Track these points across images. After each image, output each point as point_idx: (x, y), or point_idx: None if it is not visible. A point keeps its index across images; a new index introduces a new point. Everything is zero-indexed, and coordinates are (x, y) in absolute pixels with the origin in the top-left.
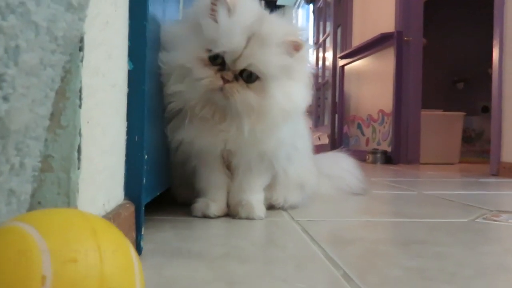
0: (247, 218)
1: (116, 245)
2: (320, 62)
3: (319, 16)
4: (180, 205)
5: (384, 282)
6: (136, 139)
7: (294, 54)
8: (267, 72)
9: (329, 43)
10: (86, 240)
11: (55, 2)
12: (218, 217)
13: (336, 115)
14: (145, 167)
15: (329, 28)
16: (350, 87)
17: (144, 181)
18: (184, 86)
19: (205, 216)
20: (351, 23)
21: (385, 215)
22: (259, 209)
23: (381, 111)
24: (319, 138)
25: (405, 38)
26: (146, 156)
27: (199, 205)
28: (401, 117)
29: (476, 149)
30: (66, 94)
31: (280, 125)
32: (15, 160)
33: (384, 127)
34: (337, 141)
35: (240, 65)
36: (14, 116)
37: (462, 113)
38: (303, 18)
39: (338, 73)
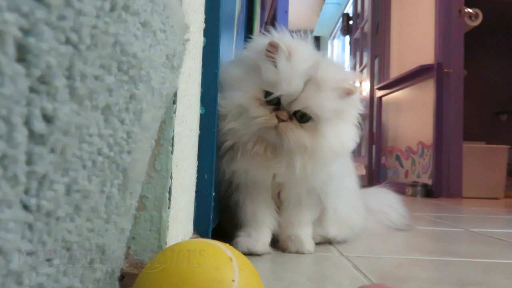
0: (297, 252)
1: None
2: None
3: (355, 47)
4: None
5: None
6: (206, 178)
7: (346, 98)
8: (321, 114)
9: (365, 73)
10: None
11: (165, 66)
12: (263, 254)
13: (374, 146)
14: (213, 203)
15: (366, 59)
16: (388, 118)
17: (211, 216)
18: (239, 124)
19: (251, 253)
20: (389, 54)
21: (435, 253)
22: (309, 243)
23: (421, 143)
24: (356, 169)
25: (445, 70)
26: (214, 193)
27: (243, 240)
28: (442, 150)
29: None
30: (161, 142)
31: (330, 164)
32: (128, 203)
33: (424, 159)
34: (374, 173)
35: (296, 107)
36: (133, 166)
37: (507, 146)
38: (339, 49)
39: (375, 104)
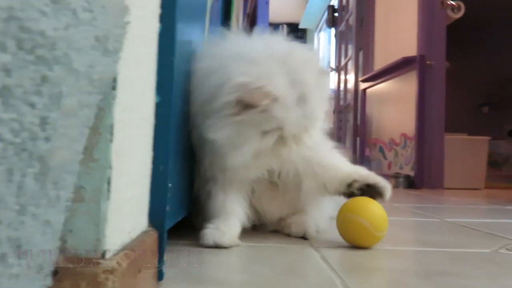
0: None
1: None
2: (342, 85)
3: (341, 39)
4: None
5: None
6: (161, 169)
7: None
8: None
9: (350, 66)
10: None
11: (94, 48)
12: (231, 247)
13: (358, 138)
14: (169, 195)
15: (350, 51)
16: (372, 110)
17: (167, 208)
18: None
19: (217, 246)
20: (373, 47)
21: (406, 243)
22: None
23: (404, 134)
24: None
25: (428, 62)
26: (170, 185)
27: (210, 232)
28: (424, 141)
29: (503, 174)
30: (99, 130)
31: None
32: (52, 194)
33: (406, 151)
34: (358, 164)
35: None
36: (54, 154)
37: (487, 138)
38: (325, 42)
39: (359, 96)
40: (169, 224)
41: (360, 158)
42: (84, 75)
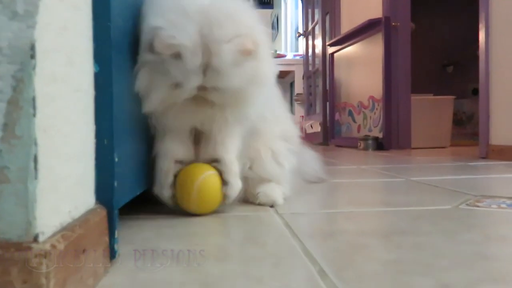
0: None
1: None
2: (310, 50)
3: (307, 4)
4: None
5: (359, 277)
6: (106, 143)
7: (249, 60)
8: (231, 86)
9: (318, 30)
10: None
11: None
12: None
13: (328, 103)
14: (116, 169)
15: (317, 15)
16: (340, 75)
17: (115, 184)
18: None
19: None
20: (339, 10)
21: (369, 205)
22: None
23: (372, 97)
24: (311, 126)
25: (393, 24)
26: (117, 159)
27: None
28: (391, 103)
29: (467, 131)
30: (19, 104)
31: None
32: None
33: (374, 113)
34: (329, 129)
35: (207, 88)
36: None
37: (452, 97)
38: (292, 5)
39: (327, 61)
40: (122, 200)
41: (330, 122)
42: None
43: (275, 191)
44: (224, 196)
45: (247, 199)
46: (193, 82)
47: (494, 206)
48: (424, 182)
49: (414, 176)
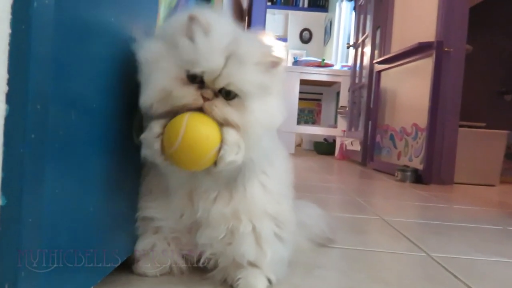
0: None
1: None
2: (358, 63)
3: (359, 13)
4: None
5: None
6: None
7: (271, 71)
8: (246, 89)
9: (368, 43)
10: None
11: None
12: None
13: (370, 122)
14: None
15: (368, 28)
16: (386, 95)
17: None
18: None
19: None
20: (391, 25)
21: None
22: None
23: (415, 125)
24: (352, 143)
25: (446, 49)
26: None
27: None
28: (436, 134)
29: None
30: None
31: (261, 139)
32: None
33: (417, 142)
34: (368, 150)
35: (220, 84)
36: None
37: (505, 131)
38: (347, 11)
39: (374, 78)
40: None
41: (370, 143)
42: None
43: (259, 280)
44: (218, 158)
45: (227, 280)
46: (215, 59)
47: None
48: (458, 265)
49: (442, 249)
